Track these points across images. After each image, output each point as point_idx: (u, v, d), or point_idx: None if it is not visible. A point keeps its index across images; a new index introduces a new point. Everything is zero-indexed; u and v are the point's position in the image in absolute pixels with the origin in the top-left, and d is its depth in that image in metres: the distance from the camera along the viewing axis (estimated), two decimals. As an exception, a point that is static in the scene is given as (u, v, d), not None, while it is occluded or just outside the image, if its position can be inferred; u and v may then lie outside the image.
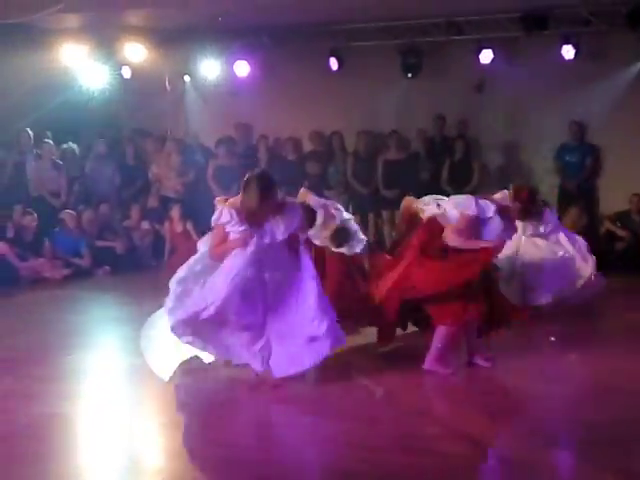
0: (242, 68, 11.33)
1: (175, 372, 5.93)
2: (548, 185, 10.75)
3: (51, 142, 10.99)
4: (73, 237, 10.30)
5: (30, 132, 10.90)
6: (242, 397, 5.49)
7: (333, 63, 11.15)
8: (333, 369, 5.74)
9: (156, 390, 5.68)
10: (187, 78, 11.94)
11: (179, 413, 5.33)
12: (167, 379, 5.78)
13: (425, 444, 4.50)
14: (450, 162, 10.96)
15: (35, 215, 10.12)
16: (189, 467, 4.37)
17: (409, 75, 11.02)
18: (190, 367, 6.00)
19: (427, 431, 4.71)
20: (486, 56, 10.51)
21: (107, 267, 10.33)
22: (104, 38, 11.03)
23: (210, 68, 11.49)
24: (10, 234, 9.89)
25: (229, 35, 11.08)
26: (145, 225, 10.96)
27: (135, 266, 10.42)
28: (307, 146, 11.84)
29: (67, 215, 10.33)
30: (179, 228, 10.50)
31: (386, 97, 11.29)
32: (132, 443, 4.79)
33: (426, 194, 10.14)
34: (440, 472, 4.18)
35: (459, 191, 10.77)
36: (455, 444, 4.51)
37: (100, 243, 10.51)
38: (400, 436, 4.63)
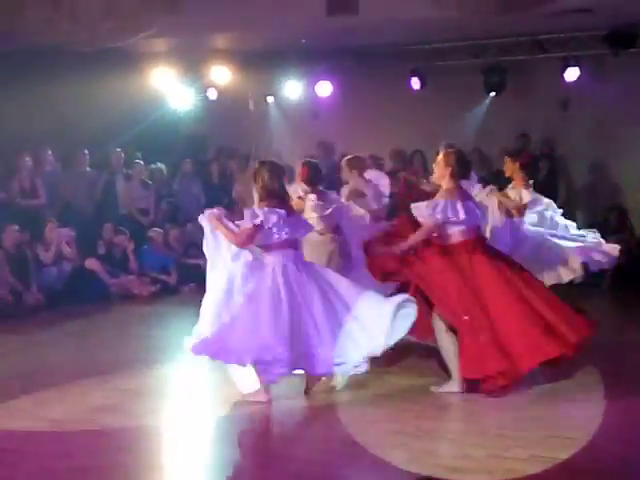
0: (324, 88, 11.49)
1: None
2: (636, 202, 10.49)
3: (141, 162, 11.36)
4: (160, 254, 10.60)
5: (121, 152, 11.30)
6: (320, 408, 5.56)
7: (415, 82, 11.18)
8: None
9: (238, 403, 5.80)
10: (270, 99, 12.17)
11: (260, 424, 5.44)
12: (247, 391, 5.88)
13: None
14: (534, 180, 10.78)
15: (127, 234, 10.45)
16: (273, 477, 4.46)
17: (492, 93, 10.96)
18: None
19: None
20: (572, 74, 10.37)
21: (193, 284, 10.54)
22: (191, 61, 11.38)
23: (293, 89, 11.69)
24: (101, 251, 10.24)
25: (312, 56, 11.25)
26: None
27: (220, 283, 10.57)
28: (388, 164, 11.87)
29: (155, 233, 10.63)
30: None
31: (468, 115, 11.25)
32: (216, 454, 4.92)
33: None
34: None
35: (543, 210, 10.69)
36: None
37: (186, 260, 10.76)
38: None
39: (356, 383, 6.02)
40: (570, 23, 9.57)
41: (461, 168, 5.89)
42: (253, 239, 5.66)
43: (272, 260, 5.66)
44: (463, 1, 6.06)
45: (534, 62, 10.74)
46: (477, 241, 5.87)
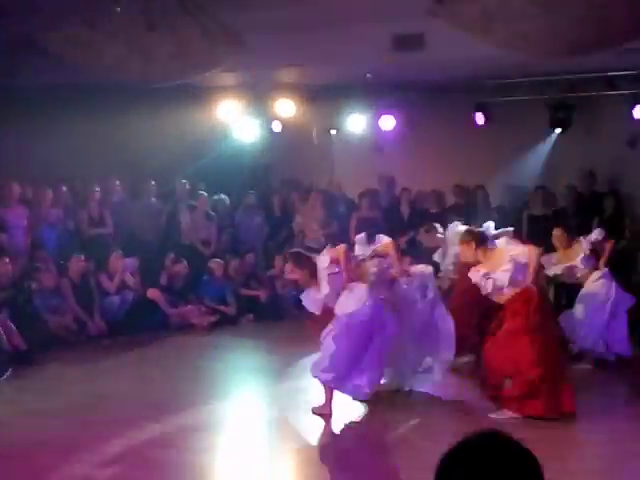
0: (388, 122, 11.50)
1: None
2: None
3: (205, 194, 11.53)
4: (220, 285, 10.70)
5: (186, 184, 11.50)
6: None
7: (479, 118, 11.10)
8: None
9: (293, 445, 5.80)
10: (334, 132, 12.24)
11: (313, 470, 5.43)
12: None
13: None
14: (600, 218, 10.58)
15: (185, 263, 10.60)
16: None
17: (558, 130, 10.81)
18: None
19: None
20: (640, 111, 10.16)
21: (251, 315, 10.63)
22: (257, 95, 11.55)
23: (356, 122, 11.74)
24: (163, 281, 10.40)
25: (376, 90, 11.29)
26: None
27: (278, 315, 10.64)
28: (450, 199, 11.80)
29: (215, 264, 10.75)
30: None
31: (533, 152, 11.12)
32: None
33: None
34: None
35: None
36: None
37: (245, 292, 10.85)
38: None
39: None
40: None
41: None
42: None
43: None
44: (531, 44, 6.00)
45: (602, 99, 10.55)
46: None
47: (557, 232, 8.32)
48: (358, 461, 5.54)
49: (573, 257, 8.04)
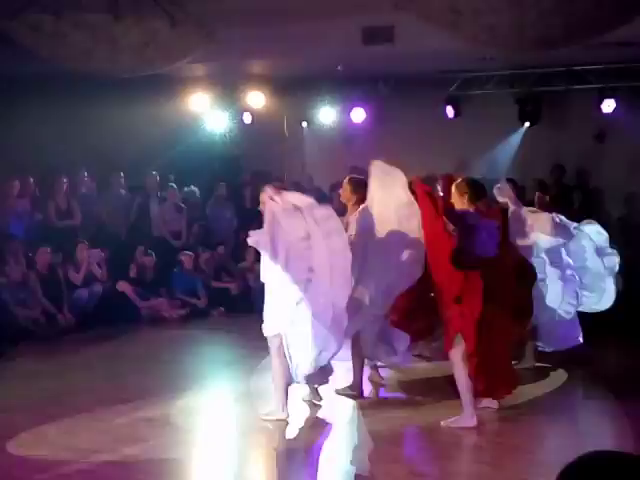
0: (358, 115, 11.52)
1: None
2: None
3: (175, 185, 11.46)
4: (190, 277, 10.66)
5: (156, 175, 11.42)
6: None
7: (449, 111, 11.17)
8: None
9: (263, 437, 5.80)
10: (305, 124, 12.23)
11: (285, 460, 5.44)
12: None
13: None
14: (568, 213, 10.67)
15: (154, 255, 10.54)
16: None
17: (527, 124, 10.90)
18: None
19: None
20: (608, 105, 10.27)
21: (222, 308, 10.60)
22: (227, 86, 11.50)
23: (327, 114, 11.75)
24: (133, 273, 10.33)
25: (346, 83, 11.31)
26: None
27: (249, 307, 10.59)
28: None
29: (185, 256, 10.70)
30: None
31: (502, 145, 11.20)
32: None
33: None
34: None
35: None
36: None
37: (216, 284, 10.81)
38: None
39: (371, 421, 6.03)
40: (608, 55, 9.49)
41: (476, 191, 5.95)
42: None
43: None
44: (498, 38, 6.03)
45: (570, 93, 10.67)
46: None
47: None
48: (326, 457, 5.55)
49: None
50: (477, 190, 6.05)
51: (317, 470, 5.23)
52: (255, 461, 5.50)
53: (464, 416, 5.74)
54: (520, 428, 5.87)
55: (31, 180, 10.50)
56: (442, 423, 5.78)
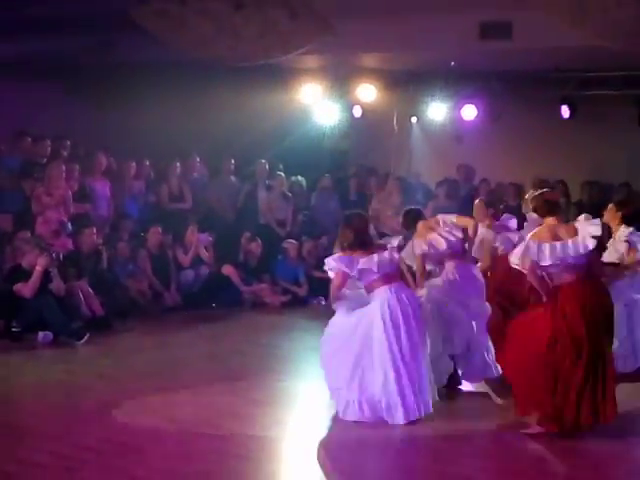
0: (469, 112, 11.36)
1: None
2: None
3: (283, 174, 11.65)
4: (293, 266, 10.81)
5: (265, 164, 11.63)
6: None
7: (565, 111, 10.86)
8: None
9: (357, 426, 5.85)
10: (414, 119, 12.17)
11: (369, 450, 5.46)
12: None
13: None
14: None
15: (260, 242, 10.75)
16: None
17: (646, 127, 10.51)
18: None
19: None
20: None
21: (322, 297, 10.68)
22: (339, 78, 11.56)
23: (437, 110, 11.64)
24: (239, 258, 10.59)
25: (458, 79, 11.17)
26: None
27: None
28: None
29: (289, 244, 10.87)
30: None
31: (618, 148, 10.84)
32: (335, 469, 4.97)
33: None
34: None
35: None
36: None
37: (317, 273, 10.90)
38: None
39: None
40: None
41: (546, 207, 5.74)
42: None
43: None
44: (625, 34, 5.86)
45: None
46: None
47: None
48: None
49: None
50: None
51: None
52: (349, 443, 5.53)
53: None
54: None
55: (147, 163, 10.89)
56: None
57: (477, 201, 7.55)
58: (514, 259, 5.66)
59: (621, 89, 10.42)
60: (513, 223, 7.37)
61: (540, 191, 5.96)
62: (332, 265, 5.85)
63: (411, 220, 6.69)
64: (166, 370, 7.14)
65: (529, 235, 5.71)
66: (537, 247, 5.49)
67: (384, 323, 5.70)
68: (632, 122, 10.52)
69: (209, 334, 8.78)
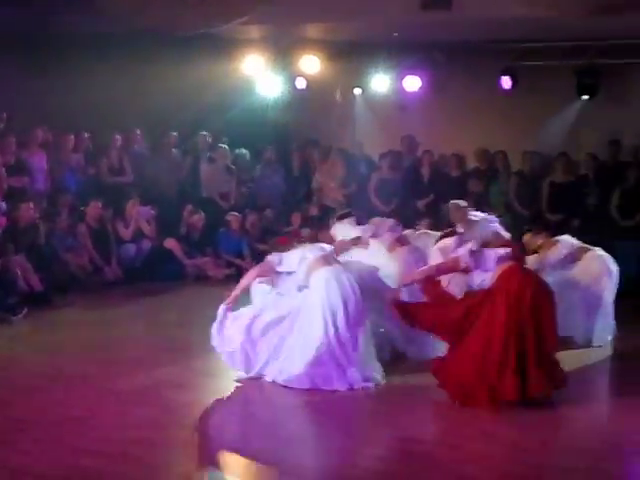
0: (412, 83, 11.37)
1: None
2: None
3: (226, 147, 11.52)
4: (236, 239, 10.74)
5: (207, 136, 11.48)
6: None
7: (506, 81, 10.95)
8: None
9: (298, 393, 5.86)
10: (358, 91, 12.14)
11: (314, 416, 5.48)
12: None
13: None
14: (621, 188, 10.47)
15: (203, 215, 10.64)
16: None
17: (584, 97, 10.66)
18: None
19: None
20: (670, 80, 9.99)
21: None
22: (281, 49, 11.44)
23: (380, 82, 11.62)
24: (181, 232, 10.47)
25: (402, 50, 11.16)
26: (305, 232, 11.21)
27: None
28: (471, 163, 11.71)
29: (232, 217, 10.79)
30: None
31: (558, 118, 10.99)
32: (275, 434, 4.98)
33: (592, 220, 9.81)
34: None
35: (629, 219, 10.36)
36: None
37: (261, 246, 10.85)
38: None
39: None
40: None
41: None
42: None
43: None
44: (562, 4, 5.90)
45: (631, 66, 10.39)
46: None
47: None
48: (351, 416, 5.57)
49: None
50: None
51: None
52: (290, 412, 5.54)
53: None
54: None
55: (85, 135, 10.64)
56: None
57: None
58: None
59: (561, 60, 10.54)
60: None
61: None
62: None
63: None
64: (108, 343, 7.06)
65: None
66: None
67: (322, 301, 5.76)
68: (571, 92, 10.67)
69: (151, 307, 8.69)
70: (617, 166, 10.76)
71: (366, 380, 5.86)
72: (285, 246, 6.33)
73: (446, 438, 5.12)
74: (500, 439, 4.99)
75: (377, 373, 5.96)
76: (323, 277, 5.85)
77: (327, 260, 5.99)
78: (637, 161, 10.70)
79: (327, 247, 6.27)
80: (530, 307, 5.49)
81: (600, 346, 7.17)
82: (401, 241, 7.10)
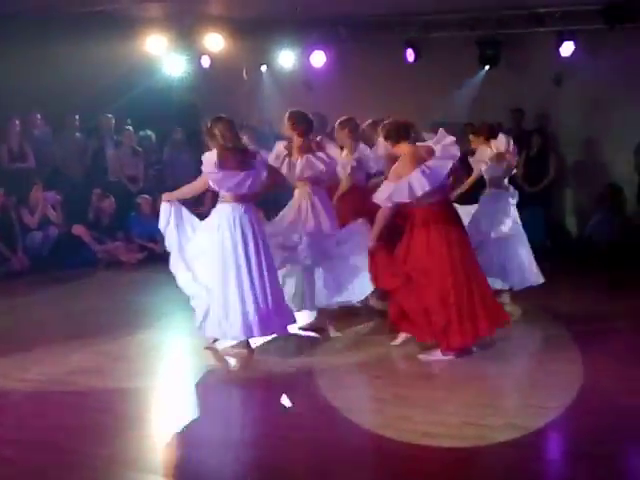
0: (318, 58, 11.37)
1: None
2: (628, 181, 10.47)
3: (131, 129, 11.26)
4: (148, 222, 10.51)
5: (111, 118, 11.19)
6: (298, 373, 5.56)
7: (409, 54, 11.08)
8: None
9: (217, 368, 5.82)
10: (264, 68, 12.05)
11: (237, 388, 5.45)
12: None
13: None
14: (526, 157, 10.75)
15: (112, 199, 10.39)
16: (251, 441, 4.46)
17: (486, 67, 10.88)
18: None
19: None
20: (567, 49, 10.28)
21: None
22: (184, 27, 11.24)
23: (287, 58, 11.57)
24: (90, 217, 10.19)
25: (306, 26, 11.13)
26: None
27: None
28: (381, 137, 11.79)
29: (143, 200, 10.57)
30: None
31: (462, 89, 11.17)
32: (191, 416, 4.93)
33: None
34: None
35: (534, 186, 10.66)
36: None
37: (173, 228, 10.68)
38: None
39: (333, 351, 6.06)
40: (567, -3, 9.49)
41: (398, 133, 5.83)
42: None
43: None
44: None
45: (530, 36, 10.63)
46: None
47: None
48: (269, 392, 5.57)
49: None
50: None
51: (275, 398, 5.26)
52: (205, 391, 5.48)
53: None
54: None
55: (-18, 122, 10.23)
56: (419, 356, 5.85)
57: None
58: (381, 197, 5.71)
59: (462, 31, 10.70)
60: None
61: (390, 119, 5.99)
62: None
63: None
64: (17, 332, 6.81)
65: (392, 171, 5.75)
66: (407, 186, 5.55)
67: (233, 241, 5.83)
68: (474, 63, 10.86)
69: (61, 295, 8.43)
70: (521, 134, 11.03)
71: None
72: None
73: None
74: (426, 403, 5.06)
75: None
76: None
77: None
78: (540, 129, 11.00)
79: None
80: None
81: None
82: None
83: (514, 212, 7.37)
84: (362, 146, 7.10)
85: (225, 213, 5.92)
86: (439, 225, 5.72)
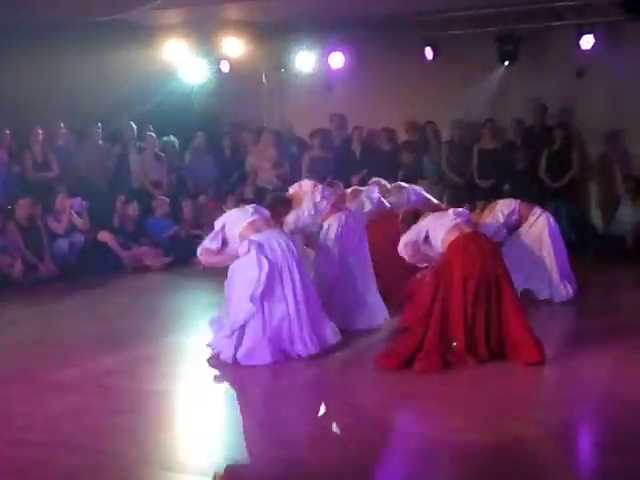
0: (337, 60, 11.39)
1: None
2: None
3: (154, 135, 11.36)
4: (165, 224, 10.62)
5: (134, 125, 11.30)
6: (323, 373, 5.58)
7: (428, 52, 11.07)
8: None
9: (245, 371, 5.85)
10: (283, 71, 12.10)
11: (264, 390, 5.48)
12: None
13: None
14: (549, 151, 10.70)
15: (136, 205, 10.49)
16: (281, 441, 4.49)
17: (506, 63, 10.84)
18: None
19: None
20: (587, 42, 10.22)
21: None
22: (203, 33, 11.32)
23: (305, 60, 11.60)
24: (115, 223, 10.30)
25: (324, 27, 11.16)
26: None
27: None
28: (401, 136, 11.81)
29: (160, 201, 10.77)
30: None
31: (482, 85, 11.14)
32: (220, 418, 4.96)
33: (522, 184, 10.02)
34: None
35: (558, 181, 10.61)
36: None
37: (195, 231, 10.75)
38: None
39: (358, 349, 6.09)
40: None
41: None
42: None
43: None
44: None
45: (549, 30, 10.59)
46: None
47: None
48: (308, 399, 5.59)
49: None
50: None
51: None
52: (234, 393, 5.52)
53: None
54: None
55: (7, 132, 10.35)
56: None
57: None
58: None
59: (480, 27, 10.68)
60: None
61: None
62: None
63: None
64: (48, 337, 6.90)
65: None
66: None
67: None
68: (493, 59, 10.83)
69: (90, 300, 8.51)
70: (543, 130, 10.99)
71: (321, 341, 5.95)
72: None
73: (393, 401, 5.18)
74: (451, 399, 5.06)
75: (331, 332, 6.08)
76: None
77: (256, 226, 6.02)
78: (562, 124, 10.95)
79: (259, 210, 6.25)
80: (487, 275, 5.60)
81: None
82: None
83: None
84: None
85: None
86: None
